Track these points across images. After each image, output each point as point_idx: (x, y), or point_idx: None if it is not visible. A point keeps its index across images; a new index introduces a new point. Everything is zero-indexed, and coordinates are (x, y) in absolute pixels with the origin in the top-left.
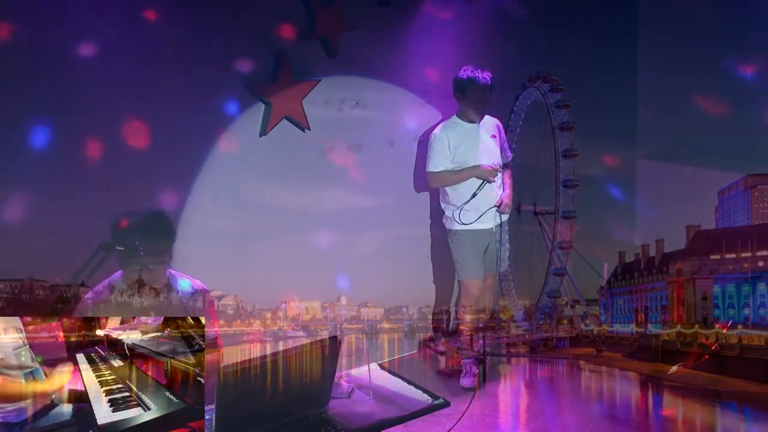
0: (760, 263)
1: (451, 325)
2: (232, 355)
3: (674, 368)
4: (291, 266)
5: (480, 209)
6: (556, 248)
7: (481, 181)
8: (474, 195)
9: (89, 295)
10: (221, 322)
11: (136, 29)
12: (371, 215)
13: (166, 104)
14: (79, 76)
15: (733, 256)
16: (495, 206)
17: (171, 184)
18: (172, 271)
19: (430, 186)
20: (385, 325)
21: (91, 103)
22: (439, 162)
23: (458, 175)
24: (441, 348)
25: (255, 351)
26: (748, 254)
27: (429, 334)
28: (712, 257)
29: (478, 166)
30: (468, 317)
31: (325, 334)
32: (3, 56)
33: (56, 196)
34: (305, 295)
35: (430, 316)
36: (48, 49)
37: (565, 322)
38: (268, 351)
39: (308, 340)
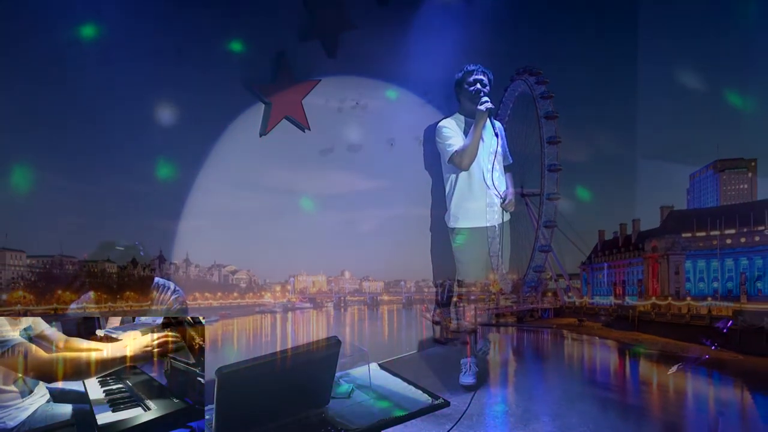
0: (728, 241)
1: (445, 296)
2: (245, 324)
3: (674, 368)
4: (299, 243)
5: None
6: (542, 227)
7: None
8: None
9: (73, 306)
10: (235, 294)
11: (138, 29)
12: (372, 196)
13: (171, 100)
14: (88, 74)
15: (703, 234)
16: (500, 198)
17: (183, 168)
18: (159, 279)
19: (463, 166)
20: (385, 298)
21: (105, 98)
22: (455, 142)
23: (473, 138)
24: (436, 318)
25: (266, 321)
26: (717, 232)
27: (425, 305)
28: (684, 235)
29: (479, 112)
30: (461, 290)
31: (330, 306)
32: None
33: (83, 178)
34: (312, 269)
35: (427, 289)
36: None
37: (550, 294)
38: (278, 321)
39: (315, 311)
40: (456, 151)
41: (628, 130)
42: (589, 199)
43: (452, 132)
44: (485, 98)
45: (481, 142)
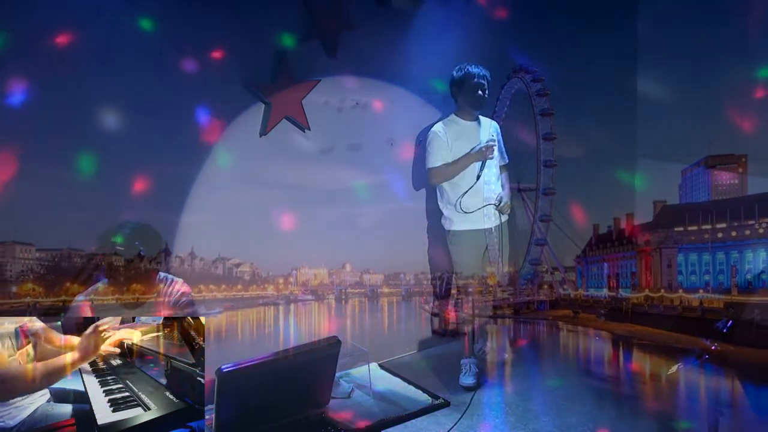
0: (719, 234)
1: (443, 289)
2: (249, 316)
3: (674, 368)
4: (301, 237)
5: (483, 195)
6: (538, 221)
7: (481, 168)
8: (478, 177)
9: (80, 297)
10: (239, 287)
11: (138, 28)
12: (372, 191)
13: (173, 99)
14: (88, 73)
15: (695, 228)
16: (494, 204)
17: (184, 166)
18: (161, 273)
19: (431, 182)
20: (385, 290)
21: (106, 95)
22: (438, 157)
23: (457, 166)
24: (435, 310)
25: (269, 313)
26: (708, 226)
27: (424, 297)
28: (676, 229)
29: (475, 148)
30: (458, 282)
31: (331, 298)
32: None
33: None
34: (314, 262)
35: (425, 282)
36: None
37: (546, 287)
38: (281, 313)
39: (317, 303)
40: (434, 167)
41: (623, 128)
42: (629, 180)
43: (442, 144)
44: (492, 143)
45: (478, 138)
